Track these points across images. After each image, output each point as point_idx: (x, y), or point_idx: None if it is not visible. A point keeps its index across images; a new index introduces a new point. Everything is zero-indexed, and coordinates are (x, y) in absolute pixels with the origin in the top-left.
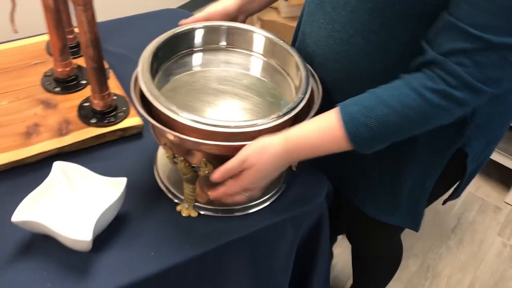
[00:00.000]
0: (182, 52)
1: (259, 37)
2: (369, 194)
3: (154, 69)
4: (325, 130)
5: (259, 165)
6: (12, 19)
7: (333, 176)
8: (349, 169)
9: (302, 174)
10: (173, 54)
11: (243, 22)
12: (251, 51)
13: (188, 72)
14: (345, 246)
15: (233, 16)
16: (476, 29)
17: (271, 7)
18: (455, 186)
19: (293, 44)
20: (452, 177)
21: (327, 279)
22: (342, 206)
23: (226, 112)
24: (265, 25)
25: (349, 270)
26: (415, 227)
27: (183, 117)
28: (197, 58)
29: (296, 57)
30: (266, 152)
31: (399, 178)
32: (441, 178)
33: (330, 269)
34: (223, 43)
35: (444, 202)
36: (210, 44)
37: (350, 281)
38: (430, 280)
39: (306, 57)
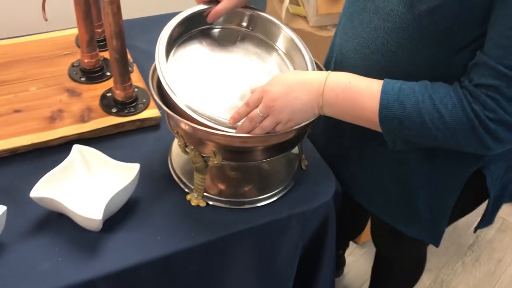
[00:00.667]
0: (201, 28)
1: (283, 33)
2: (386, 204)
3: (172, 45)
4: (369, 84)
5: (286, 73)
6: (43, 7)
7: (355, 188)
8: (366, 179)
9: (311, 173)
10: (191, 29)
11: None
12: (271, 41)
13: (202, 53)
14: (358, 255)
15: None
16: (506, 68)
17: (300, 16)
18: (482, 208)
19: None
20: (476, 198)
21: (332, 281)
22: (353, 212)
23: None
24: None
25: (361, 279)
26: (436, 242)
27: (193, 112)
28: (214, 36)
29: (308, 63)
30: (297, 73)
31: (411, 190)
32: (464, 198)
33: (342, 277)
34: (244, 24)
35: (475, 230)
36: (231, 23)
37: None
38: None
39: (336, 68)
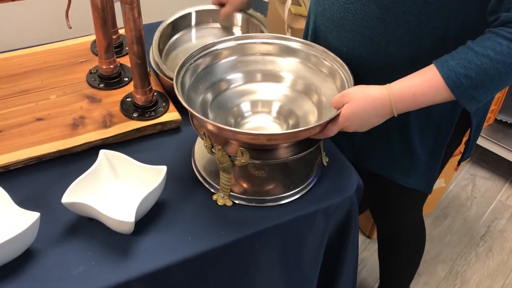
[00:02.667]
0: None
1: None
2: (385, 157)
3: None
4: (427, 80)
5: (357, 101)
6: (67, 15)
7: (351, 147)
8: (365, 135)
9: (332, 169)
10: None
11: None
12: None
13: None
14: (373, 249)
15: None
16: None
17: (301, 16)
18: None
19: (305, 36)
20: (459, 134)
21: (355, 273)
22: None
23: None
24: (295, 33)
25: (376, 273)
26: (428, 189)
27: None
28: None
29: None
30: (367, 91)
31: (410, 132)
32: (453, 134)
33: (358, 272)
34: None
35: (459, 163)
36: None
37: (378, 284)
38: (458, 286)
39: (321, 36)
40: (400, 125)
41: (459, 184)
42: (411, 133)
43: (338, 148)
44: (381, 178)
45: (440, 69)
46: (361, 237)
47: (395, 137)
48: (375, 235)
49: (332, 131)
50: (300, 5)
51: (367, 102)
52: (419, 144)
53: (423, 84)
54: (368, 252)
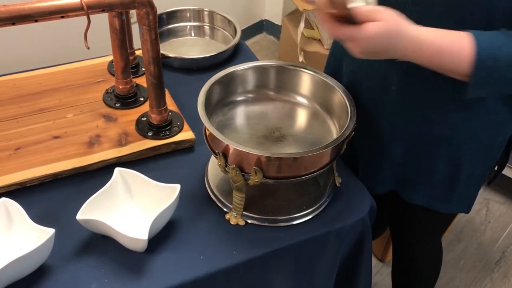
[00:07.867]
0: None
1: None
2: (429, 185)
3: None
4: (453, 37)
5: (389, 29)
6: (85, 36)
7: (394, 179)
8: (411, 166)
9: (345, 190)
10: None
11: None
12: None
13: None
14: (386, 273)
15: None
16: None
17: (314, 39)
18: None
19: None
20: (503, 156)
21: None
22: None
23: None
24: (308, 56)
25: None
26: (468, 209)
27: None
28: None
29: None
30: (404, 26)
31: (458, 161)
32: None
33: None
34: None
35: (490, 182)
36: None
37: None
38: None
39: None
40: (451, 157)
41: (473, 208)
42: (461, 164)
43: (381, 174)
44: (410, 205)
45: (476, 38)
46: (374, 261)
47: (443, 169)
48: (388, 258)
49: (341, 33)
50: (313, 29)
51: (383, 29)
52: (466, 172)
53: (448, 37)
54: (380, 276)
